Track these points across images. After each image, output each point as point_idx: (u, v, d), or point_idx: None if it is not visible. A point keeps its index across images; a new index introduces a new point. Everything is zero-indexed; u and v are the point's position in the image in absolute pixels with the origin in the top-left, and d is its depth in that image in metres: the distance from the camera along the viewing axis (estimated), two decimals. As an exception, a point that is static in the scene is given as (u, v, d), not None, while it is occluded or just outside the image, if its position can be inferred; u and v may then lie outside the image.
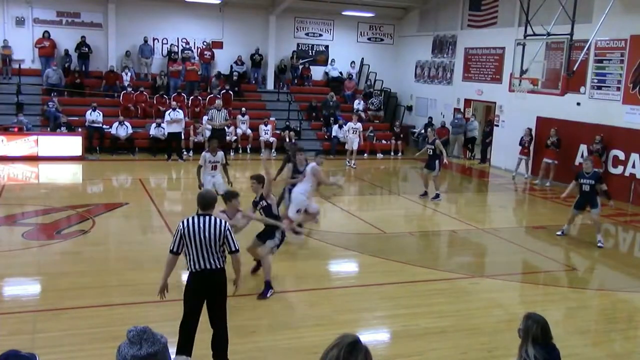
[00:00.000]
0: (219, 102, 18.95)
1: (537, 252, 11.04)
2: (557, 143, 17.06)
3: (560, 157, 17.11)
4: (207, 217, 5.84)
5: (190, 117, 20.20)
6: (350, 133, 19.95)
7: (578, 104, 16.94)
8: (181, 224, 5.86)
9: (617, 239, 13.19)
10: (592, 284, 9.76)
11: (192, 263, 5.84)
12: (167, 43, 22.69)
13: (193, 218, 5.85)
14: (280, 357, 6.44)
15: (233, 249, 5.87)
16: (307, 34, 24.86)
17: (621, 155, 15.80)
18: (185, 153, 19.08)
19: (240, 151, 20.47)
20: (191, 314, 5.96)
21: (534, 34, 14.65)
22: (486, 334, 7.27)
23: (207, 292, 5.93)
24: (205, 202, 6.00)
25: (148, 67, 22.29)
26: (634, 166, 15.49)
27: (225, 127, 18.85)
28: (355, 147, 19.60)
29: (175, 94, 20.65)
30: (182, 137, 19.02)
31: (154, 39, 22.47)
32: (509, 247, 11.35)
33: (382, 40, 25.96)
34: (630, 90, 15.73)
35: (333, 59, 24.84)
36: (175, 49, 22.48)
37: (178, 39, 22.77)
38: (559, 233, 11.91)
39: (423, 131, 22.41)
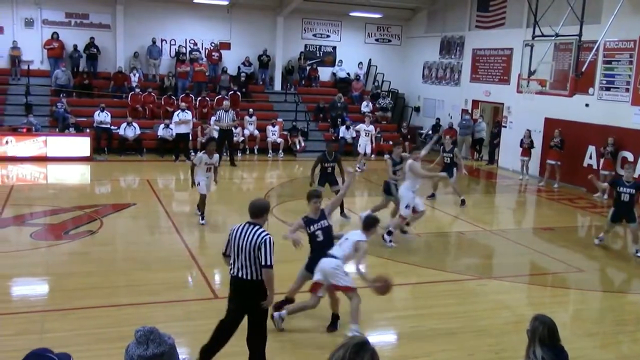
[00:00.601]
0: (226, 103, 18.98)
1: (545, 253, 11.00)
2: (561, 144, 17.01)
3: (564, 158, 17.07)
4: (252, 226, 5.78)
5: (198, 118, 20.25)
6: (363, 135, 19.55)
7: (586, 105, 16.87)
8: (231, 228, 5.96)
9: (625, 240, 13.12)
10: (600, 285, 9.70)
11: (230, 267, 5.90)
12: (175, 44, 22.75)
13: (241, 225, 5.86)
14: (289, 357, 6.44)
15: (264, 263, 5.67)
16: (314, 35, 24.88)
17: (630, 156, 15.71)
18: (192, 154, 19.09)
19: (248, 152, 20.49)
20: (227, 316, 6.01)
21: (542, 35, 14.61)
22: (494, 335, 7.26)
23: (240, 301, 5.90)
24: (254, 210, 5.91)
25: (156, 68, 22.37)
26: (643, 168, 15.40)
27: (233, 128, 18.89)
28: (368, 150, 19.31)
29: (183, 94, 20.71)
30: (190, 138, 19.08)
31: (162, 40, 22.54)
32: (516, 249, 11.32)
33: (389, 41, 25.94)
34: (639, 91, 15.65)
35: (341, 60, 24.85)
36: (183, 50, 22.55)
37: (186, 40, 22.84)
38: (596, 242, 11.34)
39: (430, 132, 22.39)
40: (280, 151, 20.64)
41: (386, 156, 11.75)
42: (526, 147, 18.10)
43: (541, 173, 18.00)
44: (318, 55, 24.95)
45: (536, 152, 18.19)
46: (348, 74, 24.71)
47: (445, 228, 13.04)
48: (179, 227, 11.36)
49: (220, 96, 20.97)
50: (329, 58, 25.11)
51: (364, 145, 19.24)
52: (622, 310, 8.64)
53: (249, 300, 5.82)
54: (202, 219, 11.59)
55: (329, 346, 6.34)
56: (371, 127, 19.78)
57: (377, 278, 6.93)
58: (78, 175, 16.87)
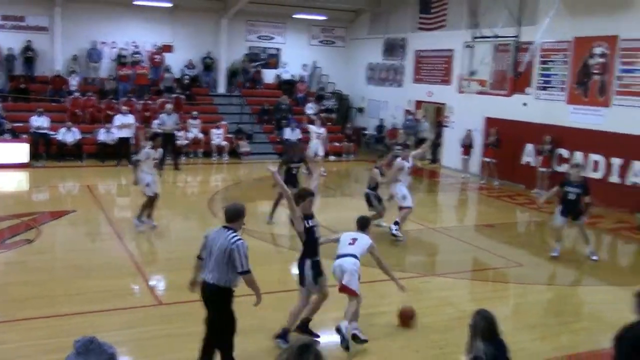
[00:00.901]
0: (169, 106, 18.73)
1: (486, 249, 11.25)
2: (497, 143, 17.47)
3: (502, 156, 17.53)
4: (226, 230, 5.73)
5: (140, 122, 19.90)
6: (314, 138, 18.42)
7: (524, 104, 17.33)
8: (207, 232, 5.96)
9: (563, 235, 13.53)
10: (539, 279, 9.96)
11: (203, 271, 5.82)
12: (115, 47, 22.26)
13: (216, 228, 5.85)
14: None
15: (240, 269, 5.62)
16: (259, 37, 24.78)
17: (566, 153, 16.24)
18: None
19: (192, 156, 20.26)
20: (206, 322, 5.93)
21: (482, 37, 14.96)
22: (438, 331, 7.38)
23: (206, 306, 5.85)
24: (230, 214, 5.84)
25: (96, 72, 21.85)
26: (578, 164, 15.92)
27: (176, 132, 18.65)
28: (321, 153, 18.17)
29: (124, 98, 20.32)
30: (132, 142, 18.74)
31: (102, 43, 22.02)
32: (459, 246, 11.54)
33: (333, 43, 26.08)
34: (574, 90, 16.19)
35: (285, 62, 24.82)
36: (125, 52, 22.11)
37: (128, 42, 22.39)
38: (553, 254, 10.80)
39: (375, 133, 22.62)
40: (225, 154, 20.47)
41: (374, 167, 11.98)
42: (467, 146, 18.56)
43: (482, 171, 18.42)
44: (262, 57, 24.87)
45: (476, 151, 18.61)
46: (292, 75, 24.73)
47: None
48: (121, 234, 11.13)
49: (163, 99, 20.68)
50: (273, 60, 25.05)
51: (315, 147, 18.27)
52: (561, 302, 8.92)
53: (212, 304, 5.79)
54: (150, 219, 11.35)
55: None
56: (322, 130, 18.94)
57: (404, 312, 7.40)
58: (15, 182, 16.31)
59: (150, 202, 11.26)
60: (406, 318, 7.35)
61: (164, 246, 11.07)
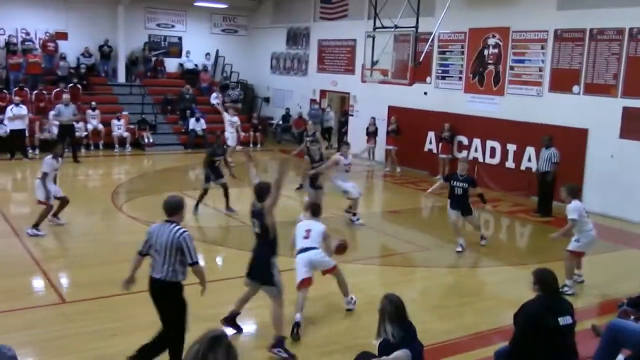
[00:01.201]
0: (66, 96, 17.96)
1: (393, 235, 11.57)
2: (397, 130, 17.99)
3: (405, 143, 18.06)
4: (169, 224, 5.66)
5: (34, 113, 18.95)
6: (228, 127, 18.17)
7: (425, 93, 17.88)
8: (149, 228, 5.84)
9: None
10: (443, 262, 10.35)
11: (150, 268, 5.73)
12: (4, 34, 21.00)
13: (159, 224, 5.69)
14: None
15: (190, 261, 5.63)
16: (158, 25, 24.14)
17: (465, 140, 16.92)
18: (30, 151, 17.89)
19: (92, 147, 19.52)
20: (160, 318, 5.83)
21: (383, 27, 15.23)
22: (348, 317, 7.52)
23: (155, 302, 5.75)
24: (169, 208, 5.75)
25: (-17, 60, 20.59)
26: (476, 150, 16.65)
27: (75, 123, 17.90)
28: (233, 143, 17.96)
29: (16, 88, 19.25)
30: (26, 134, 17.82)
31: (-12, 30, 20.76)
32: (367, 232, 11.78)
33: (236, 31, 25.81)
34: (471, 79, 16.86)
35: (188, 51, 24.31)
36: (14, 40, 20.90)
37: (17, 29, 21.16)
38: (458, 250, 10.65)
39: (281, 122, 22.64)
40: (128, 145, 19.89)
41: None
42: (371, 134, 18.95)
43: (386, 159, 18.87)
44: (163, 45, 24.25)
45: (381, 139, 19.03)
46: (196, 65, 24.28)
47: (297, 216, 13.23)
48: (18, 230, 10.58)
49: (58, 89, 19.79)
50: (175, 49, 24.49)
51: (231, 137, 18.04)
52: (464, 283, 9.31)
53: (164, 300, 5.72)
54: (57, 218, 10.90)
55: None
56: (236, 118, 18.69)
57: (337, 244, 7.93)
58: None
59: (49, 210, 10.53)
60: (341, 249, 7.98)
61: (65, 242, 10.63)
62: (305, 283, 7.25)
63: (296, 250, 7.47)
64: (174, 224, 5.67)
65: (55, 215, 10.84)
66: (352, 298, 7.76)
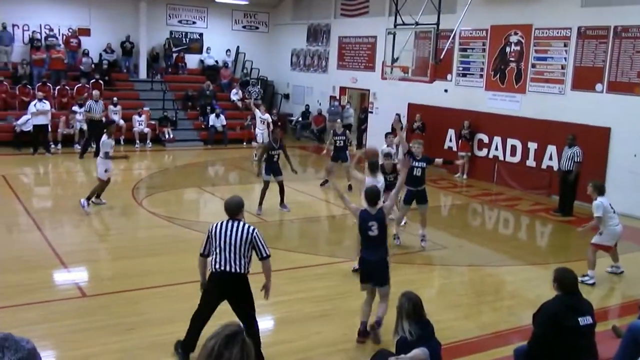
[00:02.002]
0: (96, 92, 18.31)
1: (410, 232, 11.50)
2: (422, 127, 17.90)
3: (426, 141, 17.90)
4: (237, 222, 5.97)
5: (57, 108, 19.17)
6: (259, 124, 17.64)
7: (445, 90, 17.78)
8: (211, 226, 6.03)
9: (484, 217, 14.04)
10: (462, 260, 10.30)
11: (214, 263, 5.89)
12: (28, 30, 21.27)
13: (223, 222, 5.97)
14: (161, 353, 6.30)
15: (264, 255, 5.96)
16: (180, 22, 24.27)
17: (485, 138, 16.80)
18: (53, 146, 18.10)
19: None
20: (204, 308, 6.03)
21: (404, 24, 15.17)
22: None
23: (223, 293, 5.99)
24: (232, 208, 6.04)
25: (8, 56, 20.81)
26: (496, 149, 16.52)
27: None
28: (263, 140, 16.98)
29: (39, 83, 19.48)
30: (49, 130, 18.03)
31: (13, 26, 20.99)
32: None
33: (257, 28, 25.86)
34: (492, 77, 16.73)
35: (209, 47, 24.42)
36: (38, 35, 21.14)
37: (41, 25, 21.40)
38: (397, 243, 10.47)
39: (300, 119, 22.66)
40: (148, 141, 20.05)
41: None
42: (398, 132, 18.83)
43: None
44: (184, 42, 24.38)
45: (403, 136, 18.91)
46: (216, 61, 24.39)
47: (316, 213, 13.26)
48: (40, 225, 10.72)
49: (80, 85, 20.01)
50: (196, 45, 24.62)
51: (260, 134, 17.54)
52: (482, 282, 9.25)
53: (237, 292, 5.96)
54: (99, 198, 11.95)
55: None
56: (267, 116, 18.03)
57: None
58: None
59: (103, 186, 11.83)
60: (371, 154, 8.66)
61: (87, 236, 10.73)
62: None
63: None
64: (242, 222, 5.99)
65: (98, 196, 11.85)
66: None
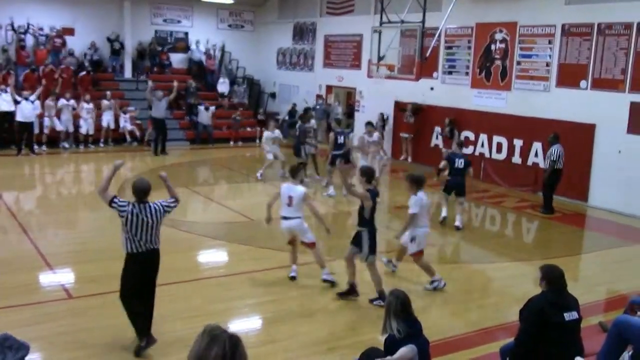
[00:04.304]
0: (159, 93, 18.41)
1: (397, 230, 11.51)
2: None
3: (415, 131, 18.12)
4: (294, 184, 8.21)
5: (42, 108, 19.01)
6: (268, 144, 15.94)
7: (432, 88, 17.84)
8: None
9: (470, 214, 14.08)
10: (449, 258, 10.34)
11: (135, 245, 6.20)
12: (11, 29, 21.03)
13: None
14: (151, 353, 6.27)
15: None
16: (165, 21, 24.14)
17: (471, 136, 16.87)
18: (37, 147, 17.91)
19: (102, 143, 19.58)
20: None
21: (389, 22, 15.20)
22: (354, 312, 7.52)
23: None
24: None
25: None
26: (482, 146, 16.60)
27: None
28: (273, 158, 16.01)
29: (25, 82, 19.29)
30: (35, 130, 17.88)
31: (-5, 24, 20.80)
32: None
33: (242, 27, 25.79)
34: (478, 75, 16.80)
35: (198, 40, 24.19)
36: (22, 35, 20.91)
37: (26, 24, 21.19)
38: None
39: (287, 117, 22.64)
40: (133, 140, 19.99)
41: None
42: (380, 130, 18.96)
43: (395, 155, 18.88)
44: (170, 41, 24.26)
45: (388, 131, 19.05)
46: (206, 52, 24.09)
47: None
48: (26, 227, 10.64)
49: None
50: (181, 44, 24.50)
51: (272, 154, 15.91)
52: (469, 279, 9.28)
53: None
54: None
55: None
56: (277, 132, 16.33)
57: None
58: None
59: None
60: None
61: (72, 238, 10.66)
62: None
63: (281, 215, 8.46)
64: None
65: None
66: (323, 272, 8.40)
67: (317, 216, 8.32)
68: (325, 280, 8.28)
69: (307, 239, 8.38)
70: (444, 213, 12.00)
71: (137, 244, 6.07)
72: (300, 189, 8.22)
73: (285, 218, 8.30)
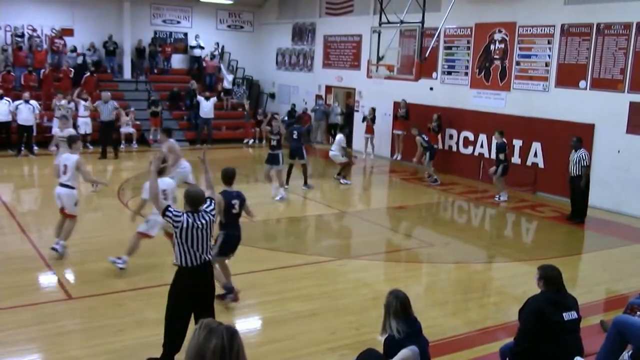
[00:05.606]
0: (106, 94, 18.01)
1: (398, 231, 11.56)
2: (406, 115, 18.08)
3: (409, 137, 18.08)
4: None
5: (42, 109, 19.02)
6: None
7: (431, 88, 17.84)
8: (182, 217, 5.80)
9: (470, 214, 14.10)
10: (448, 258, 10.34)
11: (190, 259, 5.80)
12: (10, 30, 21.07)
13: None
14: (151, 353, 6.27)
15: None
16: (164, 21, 24.15)
17: (471, 136, 16.88)
18: (36, 148, 17.91)
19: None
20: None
21: (389, 22, 15.21)
22: (354, 313, 7.51)
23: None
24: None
25: (-10, 56, 20.64)
26: (482, 146, 16.60)
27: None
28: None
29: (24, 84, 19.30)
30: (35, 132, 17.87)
31: (-6, 26, 20.82)
32: (372, 228, 11.77)
33: (242, 27, 25.80)
34: (477, 75, 16.80)
35: (197, 35, 24.13)
36: (21, 36, 20.92)
37: (24, 25, 21.21)
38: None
39: (286, 118, 22.64)
40: (134, 142, 19.96)
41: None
42: (370, 124, 19.05)
43: (393, 145, 18.99)
44: (169, 41, 24.26)
45: (380, 128, 19.08)
46: (203, 49, 24.10)
47: (303, 212, 13.26)
48: (25, 227, 10.64)
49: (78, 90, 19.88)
50: (181, 45, 24.51)
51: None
52: (469, 279, 9.29)
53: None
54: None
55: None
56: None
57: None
58: None
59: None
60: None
61: (71, 238, 10.61)
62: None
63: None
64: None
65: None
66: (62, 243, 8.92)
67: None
68: (53, 249, 8.91)
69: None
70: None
71: (193, 256, 5.75)
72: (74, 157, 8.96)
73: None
